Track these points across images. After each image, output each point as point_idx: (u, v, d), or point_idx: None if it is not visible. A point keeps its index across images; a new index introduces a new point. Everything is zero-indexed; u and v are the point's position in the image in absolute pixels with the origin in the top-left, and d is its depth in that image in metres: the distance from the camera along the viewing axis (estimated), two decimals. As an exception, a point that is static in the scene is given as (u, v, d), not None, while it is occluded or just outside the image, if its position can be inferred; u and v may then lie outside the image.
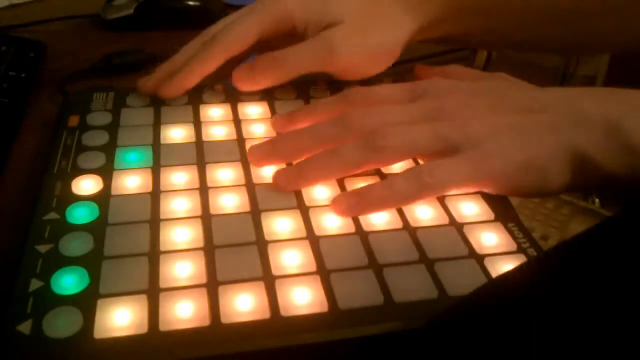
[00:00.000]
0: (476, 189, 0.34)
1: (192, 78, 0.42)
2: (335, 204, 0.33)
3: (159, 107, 0.42)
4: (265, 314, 0.27)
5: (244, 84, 0.42)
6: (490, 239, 0.32)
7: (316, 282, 0.29)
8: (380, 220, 0.33)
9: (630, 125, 0.30)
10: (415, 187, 0.32)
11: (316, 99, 0.44)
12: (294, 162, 0.36)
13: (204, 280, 0.29)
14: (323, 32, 0.42)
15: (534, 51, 0.55)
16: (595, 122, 0.31)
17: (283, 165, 0.36)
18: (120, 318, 0.27)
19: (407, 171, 0.33)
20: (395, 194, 0.32)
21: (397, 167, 0.36)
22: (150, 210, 0.33)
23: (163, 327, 0.26)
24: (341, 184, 0.35)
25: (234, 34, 0.41)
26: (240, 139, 0.39)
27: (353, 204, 0.32)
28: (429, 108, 0.34)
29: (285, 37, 0.43)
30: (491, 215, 0.33)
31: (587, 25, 0.47)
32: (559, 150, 0.31)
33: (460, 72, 0.42)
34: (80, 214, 0.32)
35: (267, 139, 0.37)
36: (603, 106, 0.32)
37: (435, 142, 0.33)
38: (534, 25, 0.47)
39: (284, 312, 0.27)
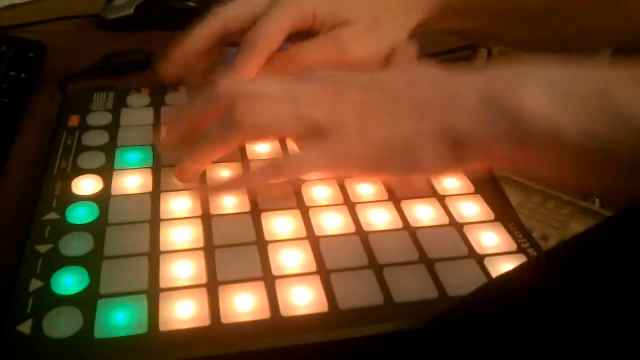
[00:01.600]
0: (341, 174, 0.35)
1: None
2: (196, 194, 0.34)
3: (159, 107, 0.42)
4: (265, 314, 0.27)
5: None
6: (490, 239, 0.32)
7: (316, 282, 0.29)
8: (380, 220, 0.33)
9: (509, 96, 0.29)
10: (272, 172, 0.33)
11: None
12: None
13: (204, 280, 0.29)
14: (334, 30, 0.42)
15: (536, 49, 0.54)
16: (471, 98, 0.30)
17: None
18: (120, 318, 0.27)
19: (265, 165, 0.33)
20: (253, 180, 0.34)
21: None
22: (150, 210, 0.33)
23: (163, 327, 0.26)
24: (341, 184, 0.35)
25: (269, 33, 0.41)
26: (240, 139, 0.39)
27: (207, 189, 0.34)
28: (299, 91, 0.33)
29: (300, 30, 0.43)
30: (491, 215, 0.33)
31: (584, 21, 0.47)
32: (430, 129, 0.30)
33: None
34: (80, 214, 0.32)
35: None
36: (479, 82, 0.30)
37: (299, 123, 0.32)
38: (530, 22, 0.47)
39: (284, 312, 0.27)
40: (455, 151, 0.30)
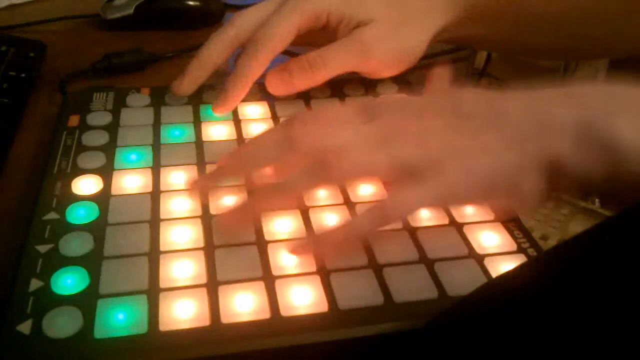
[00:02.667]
0: (445, 207, 0.33)
1: (245, 87, 0.41)
2: (299, 251, 0.31)
3: (159, 107, 0.42)
4: (266, 314, 0.27)
5: (279, 89, 0.42)
6: (490, 239, 0.32)
7: (316, 282, 0.29)
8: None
9: (603, 124, 0.29)
10: (379, 220, 0.31)
11: (317, 99, 0.44)
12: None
13: (204, 280, 0.29)
14: (356, 32, 0.42)
15: (542, 57, 0.54)
16: (566, 125, 0.30)
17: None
18: (120, 318, 0.27)
19: (370, 210, 0.31)
20: (359, 231, 0.31)
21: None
22: (150, 210, 0.33)
23: (163, 327, 0.26)
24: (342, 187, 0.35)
25: (277, 34, 0.40)
26: (240, 139, 0.39)
27: (319, 250, 0.31)
28: (383, 129, 0.32)
29: (317, 30, 0.43)
30: (491, 215, 0.33)
31: (592, 30, 0.47)
32: (527, 160, 0.30)
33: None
34: (80, 214, 0.32)
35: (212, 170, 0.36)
36: (572, 107, 0.30)
37: (392, 167, 0.30)
38: (543, 30, 0.47)
39: (284, 312, 0.27)
40: (553, 179, 0.30)
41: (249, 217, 0.32)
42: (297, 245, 0.31)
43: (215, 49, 0.42)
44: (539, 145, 0.30)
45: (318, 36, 0.42)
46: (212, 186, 0.34)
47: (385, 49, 0.42)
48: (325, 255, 0.30)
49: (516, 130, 0.30)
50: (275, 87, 0.42)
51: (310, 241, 0.31)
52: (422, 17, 0.43)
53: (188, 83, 0.42)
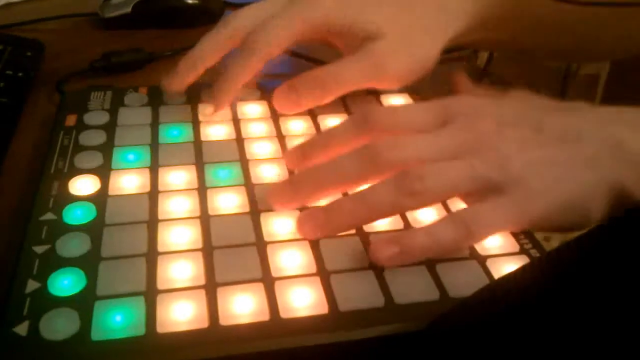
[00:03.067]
0: (520, 229, 0.32)
1: (233, 90, 0.40)
2: (375, 253, 0.30)
3: (157, 106, 0.42)
4: (265, 315, 0.27)
5: (286, 107, 0.40)
6: (492, 240, 0.31)
7: (316, 283, 0.29)
8: (381, 221, 0.32)
9: None
10: (461, 235, 0.29)
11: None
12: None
13: (202, 281, 0.28)
14: (367, 47, 0.40)
15: (549, 59, 0.54)
16: (634, 155, 0.30)
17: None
18: (118, 320, 0.26)
19: (449, 217, 0.30)
20: (439, 243, 0.29)
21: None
22: (148, 211, 0.32)
23: (161, 329, 0.26)
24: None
25: (271, 41, 0.39)
26: (240, 139, 0.39)
27: (394, 255, 0.29)
28: (462, 141, 0.31)
29: (316, 39, 0.42)
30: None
31: (596, 33, 0.47)
32: (600, 186, 0.30)
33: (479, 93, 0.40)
34: (77, 215, 0.32)
35: (284, 180, 0.35)
36: (639, 133, 0.30)
37: (474, 182, 0.30)
38: (548, 34, 0.47)
39: (283, 314, 0.27)
40: (614, 206, 0.30)
41: (328, 229, 0.31)
42: (376, 247, 0.30)
43: (208, 49, 0.41)
44: (612, 171, 0.30)
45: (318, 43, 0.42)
46: (293, 208, 0.33)
47: (399, 62, 0.41)
48: (397, 263, 0.29)
49: (592, 151, 0.30)
50: (282, 105, 0.40)
51: (389, 245, 0.30)
52: (432, 27, 0.42)
53: (178, 81, 0.41)
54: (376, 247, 0.30)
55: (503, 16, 0.44)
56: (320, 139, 0.36)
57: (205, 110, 0.41)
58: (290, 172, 0.36)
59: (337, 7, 0.40)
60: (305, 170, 0.34)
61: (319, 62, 0.49)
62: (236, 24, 0.41)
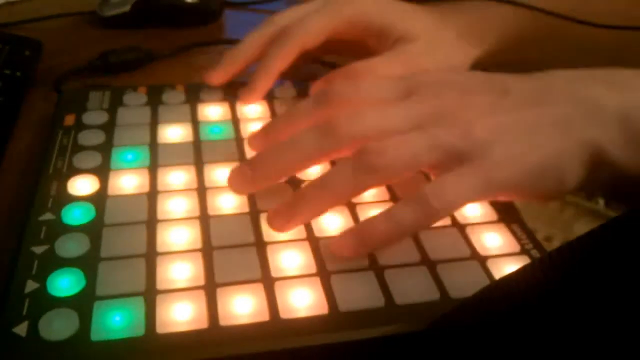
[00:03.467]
0: (488, 200, 0.31)
1: (270, 77, 0.41)
2: (338, 247, 0.29)
3: (156, 106, 0.42)
4: (265, 316, 0.27)
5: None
6: (493, 240, 0.32)
7: (316, 284, 0.28)
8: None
9: None
10: (423, 214, 0.28)
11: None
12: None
13: (202, 282, 0.28)
14: (401, 46, 0.41)
15: None
16: (610, 113, 0.29)
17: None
18: (117, 320, 0.26)
19: (410, 199, 0.29)
20: (400, 226, 0.29)
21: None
22: (147, 211, 0.32)
23: (160, 329, 0.26)
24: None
25: (309, 30, 0.40)
26: (239, 139, 0.39)
27: (357, 245, 0.29)
28: (425, 111, 0.31)
29: (350, 38, 0.43)
30: (494, 217, 0.33)
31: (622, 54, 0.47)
32: (574, 146, 0.29)
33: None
34: (76, 215, 0.32)
35: (242, 162, 0.34)
36: (616, 93, 0.29)
37: (438, 153, 0.29)
38: (577, 53, 0.47)
39: (283, 314, 0.27)
40: (592, 170, 0.29)
41: (297, 220, 0.31)
42: (338, 243, 0.29)
43: (251, 46, 0.42)
44: (582, 133, 0.29)
45: (347, 46, 0.43)
46: (254, 188, 0.33)
47: (433, 63, 0.42)
48: (363, 253, 0.29)
49: (563, 113, 0.29)
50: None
51: (350, 237, 0.29)
52: (462, 43, 0.43)
53: (220, 75, 0.42)
54: (337, 242, 0.29)
55: (538, 37, 0.45)
56: (282, 118, 0.35)
57: (242, 96, 0.41)
58: None
59: (376, 8, 0.42)
60: (263, 151, 0.33)
61: (326, 64, 0.50)
62: (279, 21, 0.42)
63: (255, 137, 0.36)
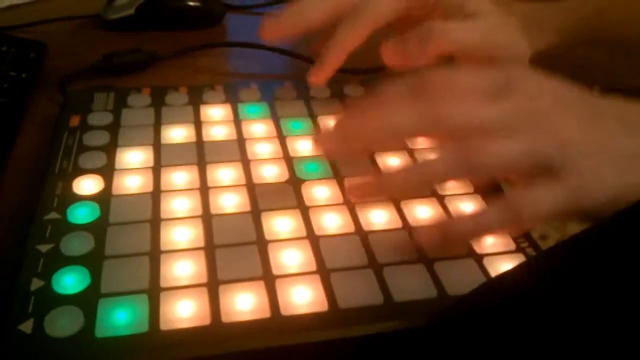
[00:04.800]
0: (564, 218, 0.31)
1: (341, 56, 0.40)
2: (422, 236, 0.30)
3: (159, 107, 0.42)
4: (266, 313, 0.27)
5: (392, 59, 0.40)
6: (489, 238, 0.32)
7: (316, 281, 0.29)
8: (380, 219, 0.33)
9: None
10: (510, 222, 0.29)
11: (317, 99, 0.44)
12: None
13: (204, 279, 0.29)
14: (476, 19, 0.41)
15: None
16: None
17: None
18: (121, 317, 0.27)
19: (501, 204, 0.29)
20: (486, 229, 0.29)
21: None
22: (151, 210, 0.33)
23: (164, 326, 0.27)
24: (341, 184, 0.35)
25: (382, 8, 0.40)
26: (241, 139, 0.39)
27: (441, 238, 0.30)
28: (523, 114, 0.30)
29: (418, 14, 0.42)
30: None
31: None
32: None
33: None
34: (81, 214, 0.32)
35: (330, 129, 0.33)
36: None
37: (532, 160, 0.29)
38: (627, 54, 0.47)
39: (284, 311, 0.27)
40: None
41: (382, 195, 0.31)
42: (424, 232, 0.30)
43: (316, 10, 0.40)
44: None
45: (412, 22, 0.41)
46: (340, 153, 0.33)
47: (497, 44, 0.41)
48: (443, 247, 0.30)
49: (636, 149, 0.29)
50: (390, 56, 0.40)
51: (436, 230, 0.30)
52: (524, 32, 0.43)
53: (277, 29, 0.41)
54: (423, 231, 0.30)
55: (596, 33, 0.45)
56: (378, 95, 0.33)
57: (311, 73, 0.40)
58: (339, 185, 0.35)
59: None
60: (367, 115, 0.32)
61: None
62: (374, 10, 0.41)
63: (345, 114, 0.34)
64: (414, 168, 0.31)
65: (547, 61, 0.43)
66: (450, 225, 0.30)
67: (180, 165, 0.36)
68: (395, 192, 0.31)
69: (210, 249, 0.30)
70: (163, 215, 0.33)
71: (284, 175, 0.36)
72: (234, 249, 0.31)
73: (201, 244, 0.31)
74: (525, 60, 0.43)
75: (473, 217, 0.30)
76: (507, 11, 0.43)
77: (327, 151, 0.32)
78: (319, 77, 0.40)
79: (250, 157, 0.38)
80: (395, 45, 0.39)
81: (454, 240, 0.30)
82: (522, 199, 0.29)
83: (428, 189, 0.32)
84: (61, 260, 0.29)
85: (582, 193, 0.28)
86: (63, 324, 0.26)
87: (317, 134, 0.33)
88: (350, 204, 0.34)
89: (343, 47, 0.40)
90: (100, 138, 0.39)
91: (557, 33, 0.44)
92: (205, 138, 0.39)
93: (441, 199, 0.34)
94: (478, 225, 0.29)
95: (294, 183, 0.35)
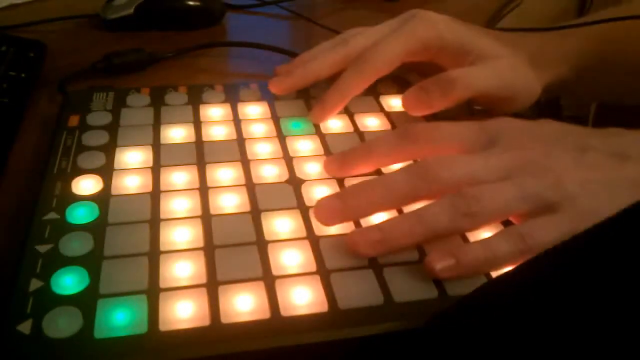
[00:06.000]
0: None
1: (343, 101, 0.41)
2: (431, 263, 0.29)
3: (159, 107, 0.42)
4: (266, 313, 0.27)
5: (417, 109, 0.41)
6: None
7: (316, 282, 0.29)
8: (380, 220, 0.33)
9: None
10: (517, 249, 0.29)
11: (316, 99, 0.44)
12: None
13: (204, 280, 0.29)
14: (490, 60, 0.42)
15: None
16: None
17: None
18: (120, 318, 0.27)
19: (506, 232, 0.30)
20: (496, 257, 0.29)
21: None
22: (150, 210, 0.33)
23: (163, 327, 0.26)
24: (341, 184, 0.35)
25: (384, 55, 0.41)
26: (240, 139, 0.39)
27: (451, 266, 0.29)
28: (512, 161, 0.32)
29: (424, 59, 0.43)
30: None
31: None
32: None
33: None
34: (80, 214, 0.32)
35: (332, 194, 0.33)
36: None
37: (529, 203, 0.31)
38: None
39: (284, 312, 0.27)
40: None
41: (378, 247, 0.30)
42: (436, 256, 0.29)
43: (324, 64, 0.43)
44: None
45: (420, 66, 0.44)
46: (341, 221, 0.32)
47: (518, 80, 0.42)
48: (451, 272, 0.29)
49: (636, 176, 0.31)
50: (413, 107, 0.41)
51: (447, 255, 0.29)
52: (532, 66, 0.44)
53: (288, 86, 0.43)
54: (432, 258, 0.29)
55: (605, 66, 0.45)
56: (362, 149, 0.36)
57: (313, 114, 0.41)
58: (340, 186, 0.36)
59: (449, 29, 0.42)
60: (354, 185, 0.33)
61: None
62: (354, 43, 0.43)
63: (332, 161, 0.37)
64: (414, 217, 0.31)
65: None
66: (461, 252, 0.30)
67: (179, 165, 0.36)
68: (399, 243, 0.31)
69: (210, 249, 0.30)
70: (162, 215, 0.32)
71: (284, 175, 0.36)
72: (234, 249, 0.30)
73: (201, 244, 0.31)
74: (537, 96, 0.44)
75: (483, 244, 0.30)
76: (513, 50, 0.44)
77: (327, 222, 0.32)
78: (320, 119, 0.41)
79: (250, 157, 0.37)
80: (418, 95, 0.41)
81: (462, 267, 0.29)
82: (526, 229, 0.30)
83: (423, 241, 0.31)
84: (60, 261, 0.29)
85: (583, 223, 0.28)
86: (62, 324, 0.26)
87: (320, 204, 0.33)
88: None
89: (346, 95, 0.41)
90: (99, 138, 0.38)
91: (564, 63, 0.45)
92: (204, 138, 0.39)
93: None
94: (488, 253, 0.29)
95: (294, 183, 0.35)
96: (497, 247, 0.29)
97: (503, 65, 0.42)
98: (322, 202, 0.33)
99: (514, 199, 0.31)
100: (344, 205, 0.32)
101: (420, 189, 0.32)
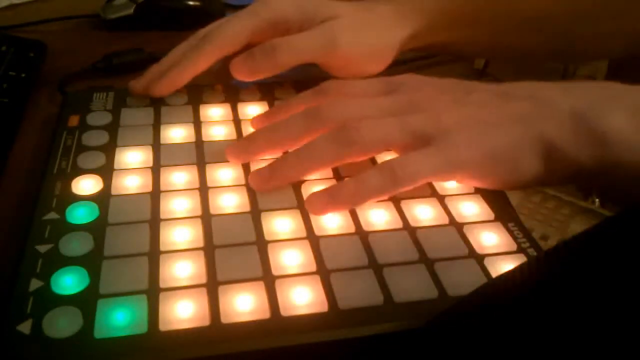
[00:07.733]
0: (448, 180, 0.34)
1: (183, 76, 0.42)
2: (309, 204, 0.33)
3: (159, 107, 0.42)
4: (265, 313, 0.27)
5: (242, 74, 0.42)
6: (490, 238, 0.32)
7: (316, 282, 0.29)
8: (380, 220, 0.33)
9: (596, 115, 0.31)
10: (388, 181, 0.32)
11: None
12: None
13: (204, 280, 0.29)
14: (325, 24, 0.42)
15: (526, 59, 0.55)
16: (563, 111, 0.31)
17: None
18: (120, 318, 0.27)
19: (379, 166, 0.33)
20: (368, 189, 0.32)
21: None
22: (150, 210, 0.33)
23: (163, 327, 0.26)
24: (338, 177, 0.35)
25: (226, 32, 0.42)
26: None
27: (326, 203, 0.32)
28: (400, 102, 0.35)
29: (276, 36, 0.43)
30: (491, 215, 0.33)
31: (582, 29, 0.47)
32: (528, 140, 0.31)
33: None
34: (80, 214, 0.32)
35: (243, 137, 0.38)
36: (569, 96, 0.32)
37: (406, 135, 0.33)
38: (525, 31, 0.48)
39: (284, 312, 0.27)
40: (547, 163, 0.32)
41: (278, 182, 0.34)
42: (311, 200, 0.33)
43: (174, 57, 0.44)
44: (538, 127, 0.32)
45: None
46: (249, 160, 0.36)
47: (352, 43, 0.43)
48: (331, 211, 0.32)
49: (520, 109, 0.32)
50: (238, 71, 0.42)
51: (323, 195, 0.33)
52: (389, 22, 0.44)
53: (142, 86, 0.43)
54: (309, 198, 0.33)
55: (471, 15, 0.46)
56: (282, 103, 0.40)
57: (152, 88, 0.42)
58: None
59: (294, 5, 0.43)
60: (261, 128, 0.38)
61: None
62: (202, 31, 0.45)
63: (257, 117, 0.40)
64: (303, 150, 0.34)
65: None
66: (337, 189, 0.33)
67: (179, 165, 0.36)
68: (288, 176, 0.34)
69: (210, 249, 0.30)
70: (162, 215, 0.32)
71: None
72: (234, 249, 0.30)
73: (200, 244, 0.31)
74: (392, 53, 0.45)
75: (355, 179, 0.32)
76: (364, 10, 0.44)
77: (235, 159, 0.37)
78: (156, 93, 0.42)
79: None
80: (245, 60, 0.42)
81: (341, 203, 0.32)
82: (397, 162, 0.32)
83: (312, 172, 0.34)
84: (60, 261, 0.29)
85: (455, 155, 0.32)
86: (62, 324, 0.26)
87: (230, 144, 0.37)
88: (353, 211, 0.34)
89: (184, 71, 0.42)
90: (99, 138, 0.38)
91: (427, 18, 0.45)
92: (204, 138, 0.39)
93: (442, 199, 0.34)
94: (361, 186, 0.32)
95: (294, 183, 0.35)
96: (368, 180, 0.32)
97: (338, 27, 0.43)
98: (233, 143, 0.37)
99: (393, 132, 0.33)
100: (248, 144, 0.36)
101: (312, 127, 0.35)
